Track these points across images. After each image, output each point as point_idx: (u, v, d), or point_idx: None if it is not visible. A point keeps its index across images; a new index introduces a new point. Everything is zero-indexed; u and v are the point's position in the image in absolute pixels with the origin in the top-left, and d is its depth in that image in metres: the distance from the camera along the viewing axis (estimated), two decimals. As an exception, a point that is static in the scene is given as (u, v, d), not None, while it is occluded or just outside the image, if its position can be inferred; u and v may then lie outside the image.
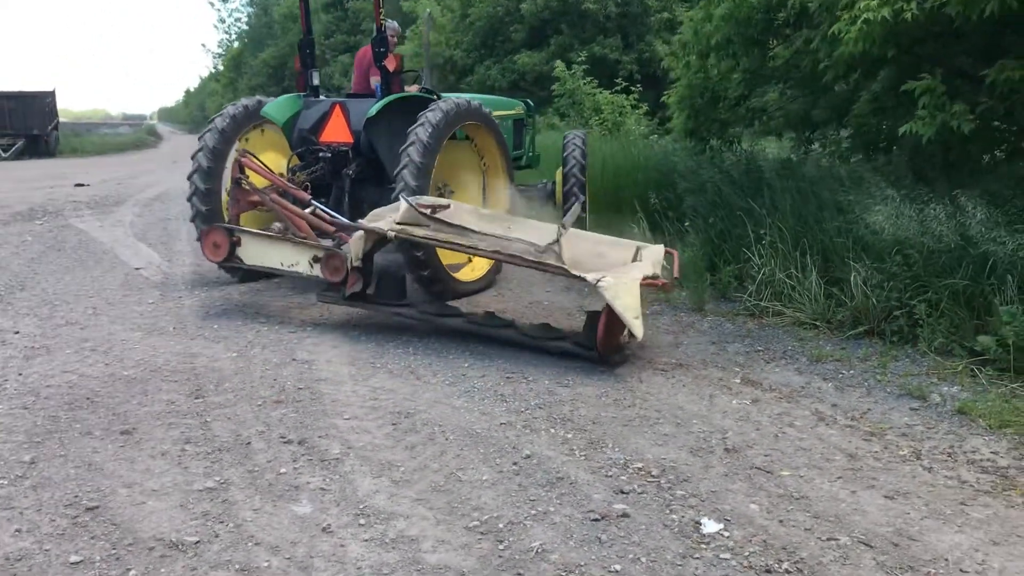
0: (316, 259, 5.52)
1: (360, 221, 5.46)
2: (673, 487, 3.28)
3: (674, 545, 2.85)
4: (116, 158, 28.11)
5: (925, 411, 4.08)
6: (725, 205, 6.81)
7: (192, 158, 6.86)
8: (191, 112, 74.13)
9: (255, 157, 6.28)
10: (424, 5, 20.89)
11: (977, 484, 3.32)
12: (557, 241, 4.90)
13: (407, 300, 5.61)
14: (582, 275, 4.71)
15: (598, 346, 4.72)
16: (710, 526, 2.97)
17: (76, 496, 3.18)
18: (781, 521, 3.01)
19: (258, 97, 7.36)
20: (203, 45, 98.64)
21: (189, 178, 6.83)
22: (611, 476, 3.37)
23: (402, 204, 5.27)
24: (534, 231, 5.54)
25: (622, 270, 4.98)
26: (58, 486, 3.25)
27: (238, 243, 5.72)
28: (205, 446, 3.65)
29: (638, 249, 5.62)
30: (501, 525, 2.98)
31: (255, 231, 5.87)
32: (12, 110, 25.84)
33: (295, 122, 6.89)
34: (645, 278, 4.84)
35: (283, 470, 3.42)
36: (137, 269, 7.58)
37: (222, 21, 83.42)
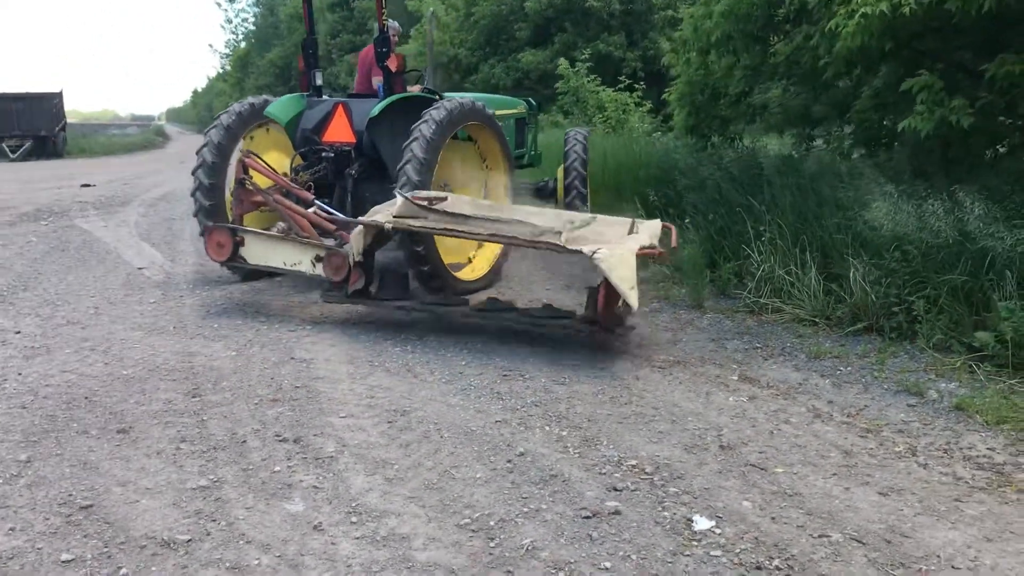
0: (318, 258, 5.55)
1: (359, 218, 5.49)
2: (666, 484, 3.27)
3: (665, 542, 2.85)
4: (123, 159, 28.17)
5: (922, 407, 4.06)
6: (725, 202, 6.80)
7: (197, 153, 6.91)
8: (199, 112, 74.30)
9: (259, 157, 6.32)
10: (428, 4, 20.90)
11: (972, 480, 3.30)
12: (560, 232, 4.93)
13: (410, 296, 5.64)
14: (579, 248, 4.72)
15: (600, 318, 4.74)
16: (702, 523, 2.97)
17: (70, 495, 3.19)
18: (773, 518, 3.01)
19: (265, 96, 7.38)
20: (210, 45, 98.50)
21: (193, 173, 6.88)
22: (604, 473, 3.37)
23: (398, 198, 5.30)
24: (533, 215, 5.58)
25: (618, 243, 4.99)
26: (53, 485, 3.27)
27: (241, 243, 5.76)
28: (200, 445, 3.67)
29: (634, 223, 5.61)
30: (492, 523, 2.98)
31: (258, 231, 5.90)
32: (19, 111, 25.88)
33: (298, 122, 6.91)
34: (642, 248, 4.86)
35: (277, 468, 3.43)
36: (140, 269, 7.61)
37: (229, 21, 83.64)
